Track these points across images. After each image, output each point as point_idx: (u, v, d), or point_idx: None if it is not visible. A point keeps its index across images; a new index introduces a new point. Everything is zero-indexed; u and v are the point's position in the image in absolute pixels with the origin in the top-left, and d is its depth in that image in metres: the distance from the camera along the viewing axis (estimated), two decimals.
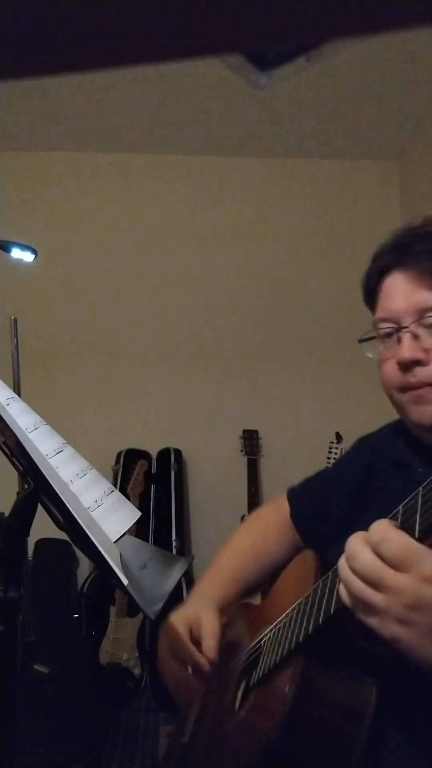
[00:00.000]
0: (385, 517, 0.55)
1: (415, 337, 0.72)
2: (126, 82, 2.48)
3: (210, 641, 0.83)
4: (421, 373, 0.71)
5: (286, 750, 0.63)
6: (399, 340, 0.73)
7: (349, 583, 0.54)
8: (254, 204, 3.06)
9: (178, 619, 0.87)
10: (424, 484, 0.52)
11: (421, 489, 0.53)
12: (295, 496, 1.01)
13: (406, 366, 0.72)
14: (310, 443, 2.86)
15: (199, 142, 2.95)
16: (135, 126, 2.81)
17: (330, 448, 2.72)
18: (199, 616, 0.87)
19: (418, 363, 0.71)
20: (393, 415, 0.87)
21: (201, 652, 0.83)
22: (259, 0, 0.15)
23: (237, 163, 3.07)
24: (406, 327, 0.72)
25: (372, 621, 0.53)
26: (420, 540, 0.51)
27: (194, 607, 0.89)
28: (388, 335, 0.75)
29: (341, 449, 2.68)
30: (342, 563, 0.55)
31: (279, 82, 0.19)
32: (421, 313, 0.71)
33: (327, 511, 0.92)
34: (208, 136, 2.89)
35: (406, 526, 0.52)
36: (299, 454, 2.89)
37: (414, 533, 0.51)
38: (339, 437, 2.71)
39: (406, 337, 0.72)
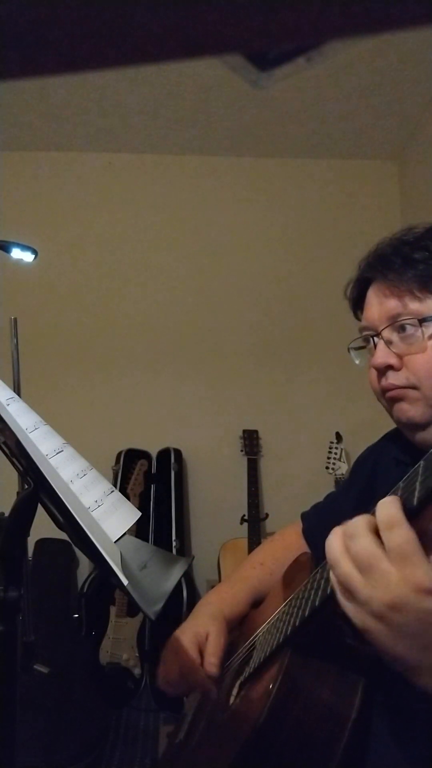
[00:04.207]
0: None
1: (389, 343, 0.76)
2: (126, 82, 2.48)
3: (212, 658, 0.84)
4: (394, 377, 0.75)
5: (269, 739, 0.64)
6: (375, 346, 0.78)
7: (337, 562, 0.51)
8: (254, 204, 3.06)
9: (187, 635, 0.88)
10: (423, 460, 0.50)
11: (422, 461, 0.50)
12: (306, 514, 1.07)
13: (381, 371, 0.76)
14: (310, 443, 2.87)
15: (198, 142, 2.95)
16: (135, 126, 2.81)
17: (330, 448, 2.72)
18: (208, 633, 0.88)
19: (391, 368, 0.75)
20: None
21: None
22: (259, 0, 0.15)
23: (237, 163, 3.07)
24: (379, 334, 0.77)
25: (348, 606, 0.51)
26: (417, 510, 0.49)
27: (204, 622, 0.90)
28: (367, 342, 0.81)
29: (341, 449, 2.68)
30: (334, 541, 0.53)
31: (279, 82, 0.19)
32: (391, 320, 0.76)
33: (335, 524, 0.94)
34: (207, 136, 2.89)
35: (404, 498, 0.50)
36: (299, 454, 2.90)
37: (413, 502, 0.49)
38: (339, 437, 2.71)
39: (380, 344, 0.77)
